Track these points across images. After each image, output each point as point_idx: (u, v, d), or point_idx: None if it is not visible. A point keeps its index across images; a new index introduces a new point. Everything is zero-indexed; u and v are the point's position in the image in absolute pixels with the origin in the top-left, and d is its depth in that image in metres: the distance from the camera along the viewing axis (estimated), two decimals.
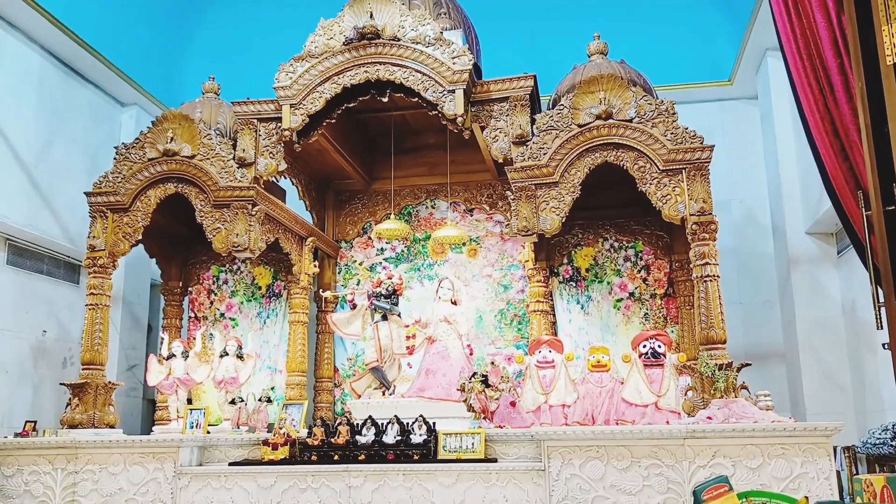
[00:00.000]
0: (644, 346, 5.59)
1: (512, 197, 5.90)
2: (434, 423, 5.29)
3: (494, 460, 5.02)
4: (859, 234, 4.63)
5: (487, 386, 5.48)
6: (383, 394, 6.51)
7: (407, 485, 4.97)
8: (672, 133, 5.62)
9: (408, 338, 6.80)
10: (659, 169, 5.60)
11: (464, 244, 7.64)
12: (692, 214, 5.46)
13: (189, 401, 6.68)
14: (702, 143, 5.56)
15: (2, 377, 6.94)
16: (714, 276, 5.41)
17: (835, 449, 5.28)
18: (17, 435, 6.01)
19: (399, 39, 6.06)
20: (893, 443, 5.58)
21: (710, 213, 5.45)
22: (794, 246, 7.56)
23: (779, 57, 6.27)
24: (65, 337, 7.78)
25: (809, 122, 4.98)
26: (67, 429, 5.93)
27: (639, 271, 7.02)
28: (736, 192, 8.39)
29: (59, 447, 5.56)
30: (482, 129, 6.25)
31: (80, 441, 5.54)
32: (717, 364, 5.10)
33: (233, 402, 6.44)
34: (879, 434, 5.79)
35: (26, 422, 6.20)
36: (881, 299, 3.93)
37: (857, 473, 5.80)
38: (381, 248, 8.07)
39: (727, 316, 5.48)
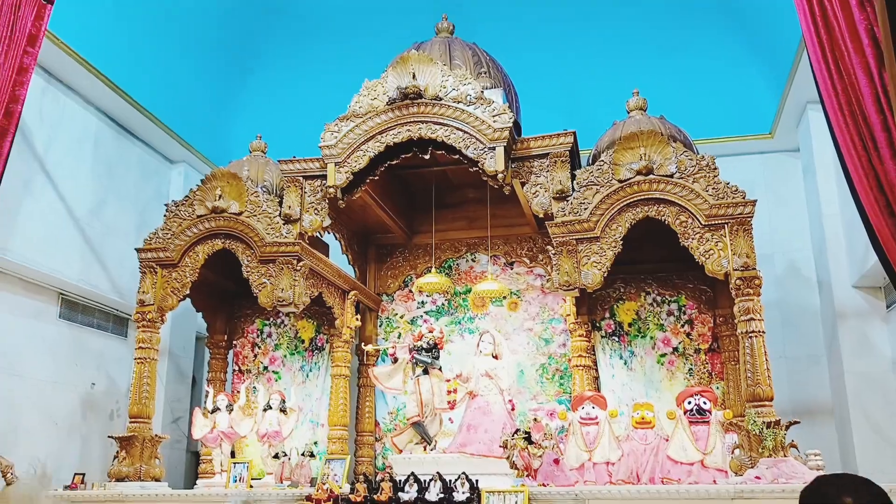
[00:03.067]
0: (689, 403, 5.53)
1: (553, 251, 5.93)
2: (477, 481, 5.26)
3: None
4: None
5: (530, 443, 5.45)
6: (424, 448, 6.48)
7: None
8: (713, 188, 5.63)
9: (449, 392, 6.80)
10: (701, 224, 5.60)
11: (504, 297, 7.66)
12: (735, 269, 5.43)
13: (232, 454, 6.73)
14: (744, 198, 5.55)
15: (52, 429, 7.09)
16: (759, 331, 5.35)
17: None
18: (66, 488, 6.11)
19: (441, 99, 6.20)
20: None
21: (754, 268, 5.42)
22: (840, 300, 7.45)
23: (819, 109, 6.26)
24: (112, 389, 7.93)
25: (853, 178, 4.95)
26: (115, 482, 6.01)
27: (682, 326, 6.96)
28: (779, 244, 8.32)
29: (107, 500, 5.64)
30: (522, 184, 6.33)
31: (128, 495, 5.62)
32: (764, 422, 5.01)
33: (276, 456, 6.47)
34: None
35: (75, 474, 6.29)
36: None
37: None
38: (422, 302, 8.12)
39: (773, 371, 5.40)
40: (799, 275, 8.28)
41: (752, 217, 5.53)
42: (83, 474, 6.30)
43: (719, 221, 5.56)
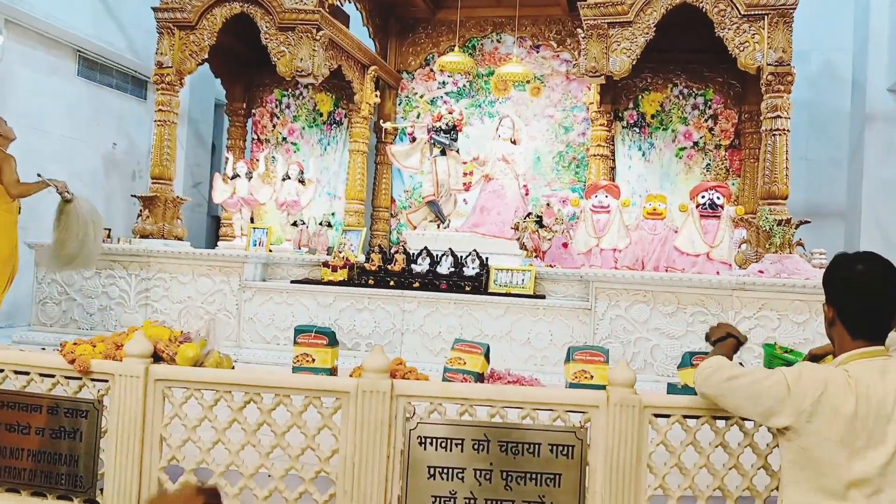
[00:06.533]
0: (703, 197, 5.56)
1: (582, 35, 5.71)
2: (487, 258, 5.44)
3: (543, 297, 5.20)
4: None
5: (541, 226, 5.58)
6: (438, 227, 6.66)
7: (457, 313, 5.20)
8: None
9: (465, 174, 6.87)
10: (740, 14, 5.32)
11: (528, 82, 7.49)
12: (769, 64, 5.24)
13: (251, 220, 6.94)
14: None
15: (77, 185, 7.23)
16: (784, 129, 5.26)
17: None
18: None
19: None
20: None
21: (788, 64, 5.23)
22: (872, 102, 7.23)
23: None
24: (133, 150, 8.02)
25: None
26: (139, 238, 6.25)
27: (706, 120, 6.85)
28: (817, 42, 7.94)
29: (132, 255, 5.88)
30: None
31: (152, 251, 5.86)
32: (775, 219, 5.07)
33: (294, 224, 6.67)
34: None
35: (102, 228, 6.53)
36: None
37: None
38: (443, 82, 7.96)
39: (791, 171, 5.38)
40: (834, 75, 7.99)
41: (794, 9, 5.25)
42: (109, 229, 6.53)
43: (759, 12, 5.28)
